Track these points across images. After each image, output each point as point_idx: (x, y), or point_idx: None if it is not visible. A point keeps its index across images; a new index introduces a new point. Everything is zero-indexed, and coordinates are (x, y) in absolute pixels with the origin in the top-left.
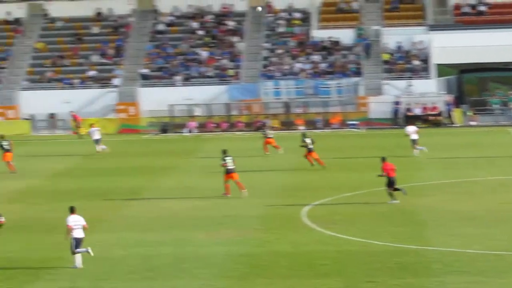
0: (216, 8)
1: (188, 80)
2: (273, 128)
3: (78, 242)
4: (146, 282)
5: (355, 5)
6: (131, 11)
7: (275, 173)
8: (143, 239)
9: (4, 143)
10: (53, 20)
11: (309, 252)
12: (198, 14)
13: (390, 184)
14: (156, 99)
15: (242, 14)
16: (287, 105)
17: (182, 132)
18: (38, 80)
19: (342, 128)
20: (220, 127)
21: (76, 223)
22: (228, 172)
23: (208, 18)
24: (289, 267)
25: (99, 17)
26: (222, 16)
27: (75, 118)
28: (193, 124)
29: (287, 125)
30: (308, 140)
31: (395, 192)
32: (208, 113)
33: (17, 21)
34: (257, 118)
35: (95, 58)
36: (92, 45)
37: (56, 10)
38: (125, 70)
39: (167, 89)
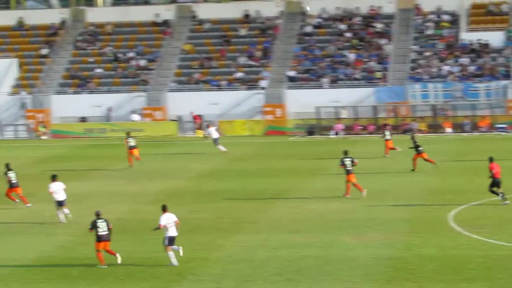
0: (364, 10)
1: (335, 82)
2: (420, 131)
3: (171, 240)
4: (291, 284)
5: (505, 7)
6: (279, 13)
7: (420, 176)
8: (289, 241)
9: (130, 140)
10: (201, 22)
11: (456, 256)
12: (346, 16)
13: (494, 185)
14: (302, 101)
15: (390, 16)
16: (434, 108)
17: (328, 135)
18: (185, 82)
19: (491, 132)
20: (366, 130)
21: (169, 221)
22: (348, 173)
23: (356, 20)
24: (436, 271)
25: (247, 19)
26: (370, 18)
27: (195, 119)
28: (340, 126)
29: (434, 128)
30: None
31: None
32: (355, 115)
33: (165, 23)
34: (404, 121)
35: (243, 60)
36: (239, 47)
37: (204, 12)
38: (272, 72)
39: (314, 91)
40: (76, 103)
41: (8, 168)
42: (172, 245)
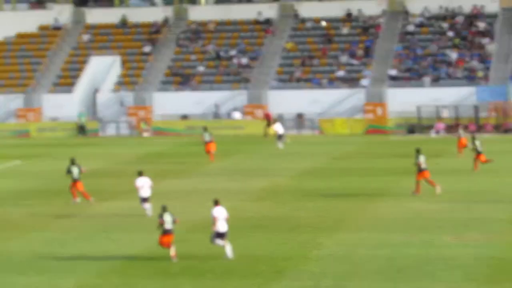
0: (467, 9)
1: (436, 81)
2: None
3: (219, 235)
4: (390, 283)
5: None
6: (381, 12)
7: None
8: (388, 240)
9: (206, 134)
10: (303, 20)
11: None
12: (448, 15)
13: None
14: (403, 100)
15: (493, 15)
16: None
17: (429, 134)
18: (287, 80)
19: None
20: (468, 129)
21: (220, 215)
22: (421, 171)
23: (459, 19)
24: None
25: (349, 17)
26: (473, 17)
27: (267, 117)
28: (441, 125)
29: None
30: (477, 143)
31: None
32: (456, 114)
33: (267, 21)
34: (506, 120)
35: (344, 58)
36: (341, 46)
37: (306, 10)
38: (373, 71)
39: (415, 90)
40: (177, 100)
41: (72, 163)
42: (222, 238)
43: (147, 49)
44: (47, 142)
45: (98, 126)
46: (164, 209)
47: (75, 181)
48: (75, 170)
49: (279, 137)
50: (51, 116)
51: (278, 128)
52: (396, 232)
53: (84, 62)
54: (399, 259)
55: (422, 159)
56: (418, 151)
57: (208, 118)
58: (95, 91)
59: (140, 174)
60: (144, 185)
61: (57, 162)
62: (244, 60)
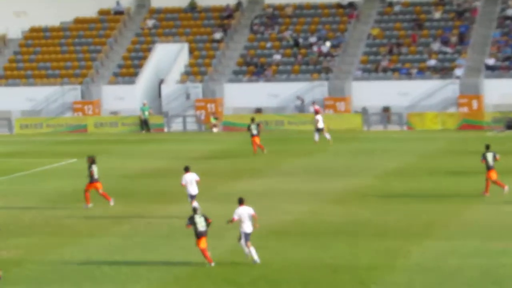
0: None
1: None
2: None
3: (247, 236)
4: None
5: None
6: None
7: None
8: (483, 248)
9: (253, 126)
10: (391, 4)
11: None
12: None
13: None
14: (502, 92)
15: None
16: None
17: None
18: (372, 70)
19: None
20: None
21: (244, 215)
22: (489, 169)
23: None
24: None
25: (441, 1)
26: None
27: (316, 112)
28: None
29: None
30: None
31: None
32: None
33: (351, 5)
34: None
35: (436, 46)
36: (432, 32)
37: None
38: (468, 60)
39: None
40: (250, 92)
41: (93, 161)
42: (248, 239)
43: (217, 35)
44: (106, 138)
45: (162, 120)
46: (194, 211)
47: (95, 181)
48: (95, 170)
49: (317, 130)
50: (110, 110)
51: (318, 122)
52: (493, 239)
53: (148, 50)
54: (496, 270)
55: (489, 156)
56: (487, 148)
57: (286, 112)
58: (160, 82)
59: (186, 170)
60: (192, 181)
61: (117, 161)
62: (325, 48)
